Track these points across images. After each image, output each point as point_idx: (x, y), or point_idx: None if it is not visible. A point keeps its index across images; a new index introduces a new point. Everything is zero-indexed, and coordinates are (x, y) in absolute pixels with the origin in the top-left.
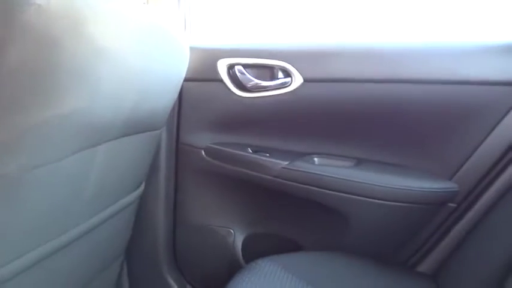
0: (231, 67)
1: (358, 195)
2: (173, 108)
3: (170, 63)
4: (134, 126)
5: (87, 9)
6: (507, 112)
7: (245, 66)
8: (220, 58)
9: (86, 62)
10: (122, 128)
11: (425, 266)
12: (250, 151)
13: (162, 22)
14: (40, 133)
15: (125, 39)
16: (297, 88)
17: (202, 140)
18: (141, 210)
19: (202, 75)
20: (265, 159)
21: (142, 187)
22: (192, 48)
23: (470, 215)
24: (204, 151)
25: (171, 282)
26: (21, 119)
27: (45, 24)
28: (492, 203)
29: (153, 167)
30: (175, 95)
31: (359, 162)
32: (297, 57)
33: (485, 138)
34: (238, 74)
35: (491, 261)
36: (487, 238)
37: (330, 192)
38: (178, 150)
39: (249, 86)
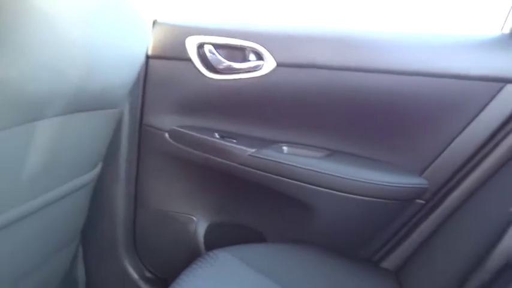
0: (200, 46)
1: (326, 188)
2: (137, 87)
3: (127, 37)
4: (84, 103)
5: None
6: (482, 108)
7: (216, 46)
8: (190, 36)
9: (18, 24)
10: (68, 104)
11: (389, 263)
12: (217, 136)
13: None
14: None
15: (71, 6)
16: (269, 72)
17: (167, 122)
18: (99, 192)
19: (169, 53)
20: (231, 145)
21: (98, 168)
22: (159, 24)
23: (438, 212)
24: (168, 134)
25: (129, 268)
26: None
27: None
28: (460, 202)
29: (113, 148)
30: (135, 73)
31: (329, 154)
32: (271, 40)
33: (459, 134)
34: (208, 53)
35: (455, 260)
36: (452, 237)
37: (297, 183)
38: (141, 131)
39: (219, 67)
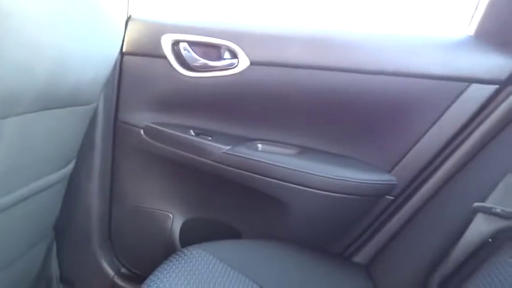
0: (175, 43)
1: (297, 184)
2: (112, 83)
3: (98, 34)
4: (54, 100)
5: None
6: (448, 107)
7: (191, 43)
8: (165, 33)
9: None
10: (37, 101)
11: (360, 257)
12: (193, 133)
13: None
14: None
15: (37, 5)
16: (243, 70)
17: (141, 118)
18: (74, 188)
19: (144, 50)
20: (206, 142)
21: (71, 165)
22: (134, 20)
23: (407, 208)
24: (143, 130)
25: (104, 264)
26: None
27: None
28: (428, 197)
29: (88, 145)
30: (108, 69)
31: (301, 151)
32: (245, 39)
33: (426, 132)
34: (183, 51)
35: (422, 253)
36: (420, 231)
37: (271, 180)
38: (116, 128)
39: (193, 64)
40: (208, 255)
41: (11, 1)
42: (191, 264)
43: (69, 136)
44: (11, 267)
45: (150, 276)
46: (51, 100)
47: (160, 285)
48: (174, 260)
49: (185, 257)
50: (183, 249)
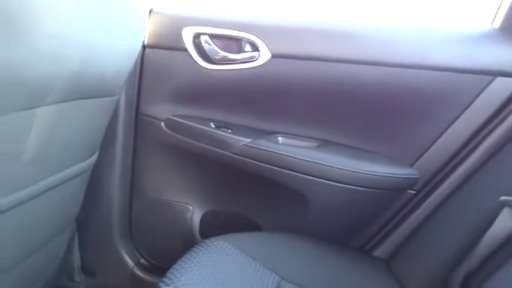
0: (196, 36)
1: (319, 178)
2: (133, 76)
3: (123, 26)
4: (82, 90)
5: None
6: (472, 100)
7: (212, 36)
8: (186, 26)
9: (18, 9)
10: (66, 91)
11: (380, 252)
12: (213, 126)
13: None
14: None
15: None
16: (264, 63)
17: (162, 111)
18: (95, 180)
19: (166, 43)
20: (227, 135)
21: (95, 156)
22: (156, 14)
23: (429, 202)
24: (164, 123)
25: (124, 255)
26: None
27: None
28: (450, 192)
29: (110, 136)
30: (131, 62)
31: (322, 144)
32: (266, 31)
33: (449, 126)
34: (204, 44)
35: (445, 248)
36: (442, 226)
37: (291, 172)
38: (137, 120)
39: (214, 57)
40: (230, 247)
41: None
42: (214, 255)
43: (93, 127)
44: (34, 257)
45: (174, 267)
46: (78, 91)
47: (184, 276)
48: (197, 251)
49: (208, 248)
50: (205, 240)
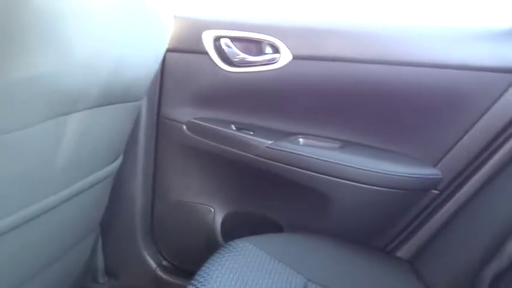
0: (217, 39)
1: (342, 178)
2: (155, 80)
3: (150, 32)
4: (111, 96)
5: None
6: (496, 99)
7: (232, 39)
8: (206, 29)
9: (56, 22)
10: (97, 98)
11: (403, 252)
12: (234, 128)
13: None
14: (5, 97)
15: (100, 6)
16: (285, 65)
17: (184, 114)
18: (118, 183)
19: (186, 47)
20: (249, 137)
21: (119, 160)
22: (176, 18)
23: (453, 202)
24: (186, 126)
25: (147, 256)
26: None
27: None
28: (475, 191)
29: (132, 140)
30: (156, 66)
31: (344, 145)
32: (286, 33)
33: (472, 125)
34: (224, 47)
35: (471, 248)
36: (467, 226)
37: (314, 173)
38: (159, 123)
39: (235, 60)
40: (255, 249)
41: (79, 5)
42: (240, 257)
43: (119, 132)
44: (61, 261)
45: (202, 269)
46: (109, 97)
47: (212, 278)
48: (223, 253)
49: (233, 250)
50: (230, 242)
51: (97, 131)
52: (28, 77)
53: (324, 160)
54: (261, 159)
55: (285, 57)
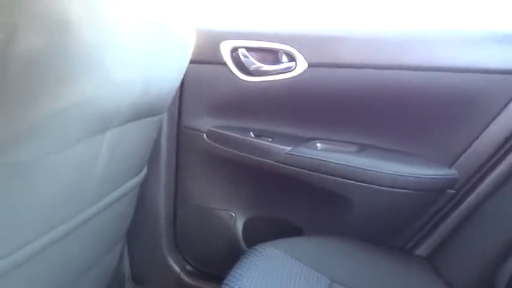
0: (234, 50)
1: (360, 181)
2: (176, 91)
3: (176, 49)
4: (140, 112)
5: None
6: (509, 101)
7: (249, 49)
8: (224, 40)
9: (97, 50)
10: (128, 115)
11: (422, 250)
12: (253, 135)
13: (166, 11)
14: (51, 122)
15: (131, 27)
16: (301, 73)
17: (204, 123)
18: (143, 193)
19: (204, 58)
20: (268, 144)
21: (144, 171)
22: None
23: (469, 201)
24: (206, 135)
25: (171, 262)
26: (33, 109)
27: (59, 11)
28: (491, 190)
29: (155, 151)
30: (180, 80)
31: (361, 148)
32: (301, 42)
33: (487, 126)
34: (241, 57)
35: (490, 246)
36: (484, 224)
37: (332, 177)
38: (180, 133)
39: (252, 69)
40: (281, 253)
41: (115, 26)
42: (267, 261)
43: (144, 144)
44: (90, 271)
45: (231, 273)
46: (139, 112)
47: (242, 283)
48: (250, 257)
49: (260, 255)
50: (255, 247)
51: (126, 145)
52: (71, 104)
53: (342, 164)
54: (280, 165)
55: (300, 65)
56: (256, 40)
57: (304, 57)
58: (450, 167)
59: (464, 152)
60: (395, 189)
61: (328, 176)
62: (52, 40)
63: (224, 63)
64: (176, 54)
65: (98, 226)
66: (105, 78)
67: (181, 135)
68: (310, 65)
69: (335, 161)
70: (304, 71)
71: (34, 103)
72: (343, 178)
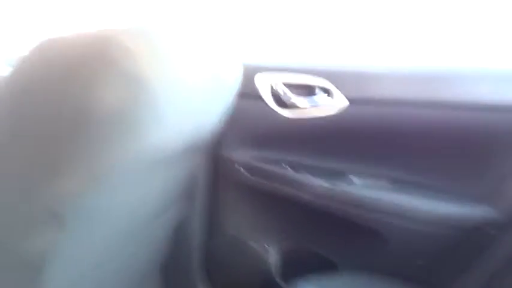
0: (270, 83)
1: (396, 218)
2: None
3: (224, 88)
4: (188, 150)
5: (167, 49)
6: None
7: (285, 83)
8: (259, 72)
9: (166, 99)
10: (178, 153)
11: None
12: (290, 169)
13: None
14: (123, 169)
15: (190, 81)
16: (339, 108)
17: (241, 155)
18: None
19: (241, 91)
20: (304, 177)
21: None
22: None
23: (508, 242)
24: (243, 166)
25: None
26: (112, 156)
27: (135, 67)
28: None
29: (191, 181)
30: (224, 116)
31: (399, 185)
32: (340, 77)
33: None
34: (278, 91)
35: None
36: None
37: (368, 213)
38: (216, 164)
39: (288, 103)
40: None
41: (175, 85)
42: None
43: (186, 175)
44: None
45: None
46: (188, 149)
47: None
48: None
49: None
50: (292, 282)
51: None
52: (137, 149)
53: (378, 200)
54: (316, 199)
55: (338, 101)
56: (292, 73)
57: (343, 93)
58: (489, 205)
59: (503, 190)
60: (432, 228)
61: (364, 212)
62: (129, 94)
63: (260, 97)
64: (223, 100)
65: (130, 257)
66: (167, 125)
67: (218, 166)
68: (349, 101)
69: (371, 197)
70: (342, 106)
71: (112, 151)
72: (378, 214)
